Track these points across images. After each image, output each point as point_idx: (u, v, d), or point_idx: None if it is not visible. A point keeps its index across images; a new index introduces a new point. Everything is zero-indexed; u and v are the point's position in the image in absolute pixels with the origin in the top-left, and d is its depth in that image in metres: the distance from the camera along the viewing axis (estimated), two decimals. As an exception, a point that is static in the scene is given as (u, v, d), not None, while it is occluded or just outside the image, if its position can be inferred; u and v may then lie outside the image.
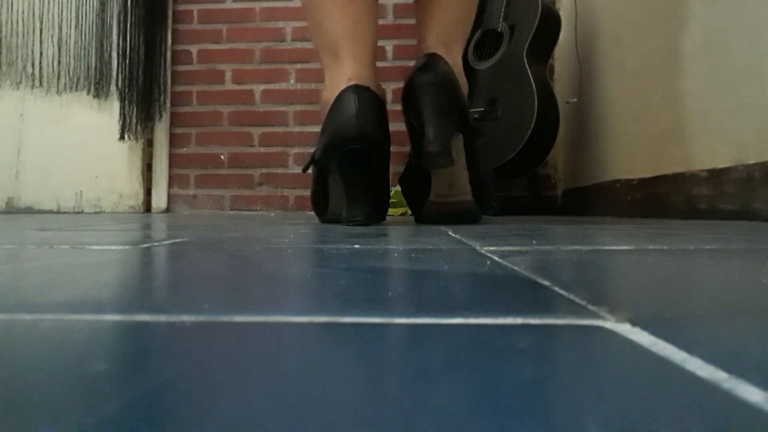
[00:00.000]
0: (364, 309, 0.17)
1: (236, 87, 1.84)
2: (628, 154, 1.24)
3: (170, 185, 1.84)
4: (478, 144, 0.82)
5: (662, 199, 1.06)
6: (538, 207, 1.51)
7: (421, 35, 0.82)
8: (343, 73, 0.75)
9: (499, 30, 1.43)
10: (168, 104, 1.83)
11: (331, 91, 0.75)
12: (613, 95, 1.33)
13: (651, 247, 0.37)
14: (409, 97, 0.75)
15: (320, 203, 0.86)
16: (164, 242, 0.43)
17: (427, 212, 0.80)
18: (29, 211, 1.79)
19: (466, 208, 0.77)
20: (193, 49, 1.85)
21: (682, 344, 0.13)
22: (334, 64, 0.77)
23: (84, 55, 1.82)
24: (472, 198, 0.78)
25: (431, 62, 0.74)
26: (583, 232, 0.55)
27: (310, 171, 0.88)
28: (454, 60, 0.78)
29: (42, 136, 1.81)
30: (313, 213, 1.75)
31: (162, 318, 0.16)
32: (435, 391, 0.10)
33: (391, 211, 1.47)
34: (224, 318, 0.16)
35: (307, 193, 1.81)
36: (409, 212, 1.50)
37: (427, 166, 0.72)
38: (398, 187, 1.49)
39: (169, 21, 1.84)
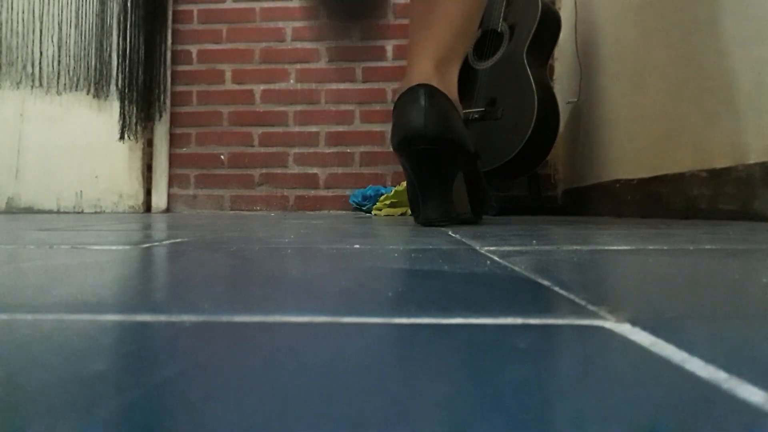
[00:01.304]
0: (364, 309, 0.17)
1: (236, 87, 1.84)
2: (628, 154, 1.24)
3: (170, 185, 1.84)
4: (480, 164, 0.80)
5: (662, 199, 1.06)
6: (538, 207, 1.51)
7: (414, 53, 0.75)
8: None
9: (499, 30, 1.43)
10: (168, 104, 1.83)
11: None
12: (613, 95, 1.33)
13: (651, 247, 0.37)
14: (402, 152, 0.71)
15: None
16: (164, 242, 0.43)
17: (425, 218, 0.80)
18: (29, 211, 1.79)
19: (464, 219, 0.77)
20: (193, 49, 1.86)
21: (682, 344, 0.13)
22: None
23: (84, 55, 1.82)
24: (470, 212, 0.77)
25: (427, 108, 0.68)
26: (583, 232, 0.55)
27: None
28: (449, 85, 0.73)
29: (42, 136, 1.81)
30: (312, 213, 1.75)
31: (162, 318, 0.16)
32: (435, 391, 0.10)
33: (390, 211, 1.47)
34: (224, 318, 0.16)
35: (308, 193, 1.81)
36: (409, 212, 1.50)
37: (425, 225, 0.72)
38: (398, 187, 1.49)
39: (169, 21, 1.84)
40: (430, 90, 0.69)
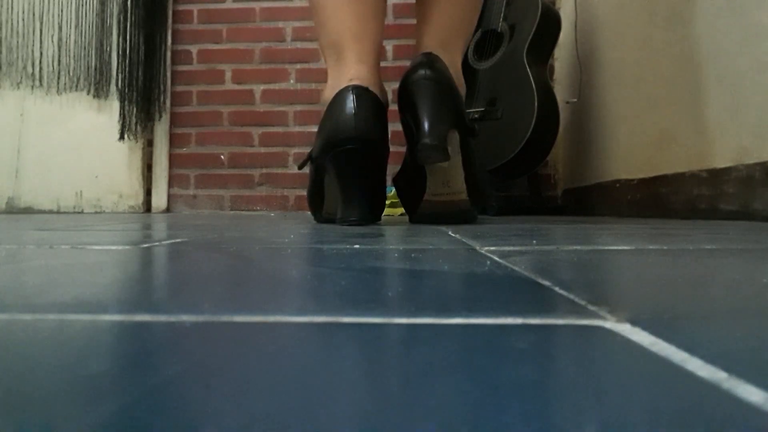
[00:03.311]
0: (364, 309, 0.17)
1: (236, 87, 1.84)
2: (628, 154, 1.24)
3: (170, 185, 1.84)
4: (475, 143, 0.82)
5: (662, 199, 1.06)
6: (538, 207, 1.51)
7: (419, 36, 0.81)
8: (345, 73, 0.75)
9: (499, 30, 1.43)
10: (168, 104, 1.83)
11: (332, 90, 0.75)
12: (613, 95, 1.33)
13: (651, 247, 0.37)
14: (404, 93, 0.75)
15: (316, 202, 0.86)
16: (164, 242, 0.43)
17: (422, 211, 0.80)
18: (29, 211, 1.79)
19: (462, 207, 0.77)
20: (193, 49, 1.86)
21: (682, 344, 0.13)
22: (337, 63, 0.77)
23: (84, 55, 1.82)
24: (468, 197, 0.77)
25: (427, 60, 0.73)
26: (583, 232, 0.55)
27: (306, 170, 0.88)
28: (452, 61, 0.78)
29: (42, 136, 1.81)
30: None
31: (162, 318, 0.16)
32: (435, 391, 0.10)
33: (390, 211, 1.47)
34: (224, 318, 0.16)
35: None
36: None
37: (423, 161, 0.72)
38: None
39: (169, 21, 1.84)
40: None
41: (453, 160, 0.74)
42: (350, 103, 0.70)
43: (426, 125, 0.70)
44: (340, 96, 0.71)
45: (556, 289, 0.20)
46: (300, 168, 0.84)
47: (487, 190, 0.85)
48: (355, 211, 0.72)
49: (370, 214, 0.74)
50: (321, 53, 0.84)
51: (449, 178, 0.75)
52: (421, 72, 0.72)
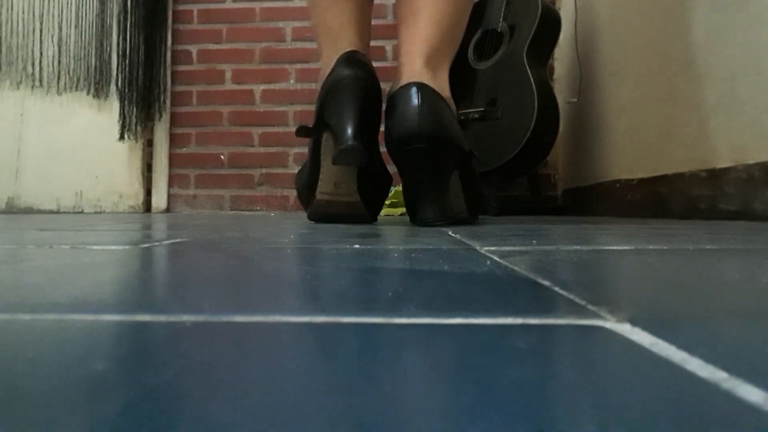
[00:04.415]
0: (364, 309, 0.17)
1: (236, 87, 1.84)
2: (628, 154, 1.24)
3: (170, 185, 1.84)
4: (475, 163, 0.79)
5: (662, 199, 1.06)
6: (538, 207, 1.51)
7: (403, 56, 0.74)
8: (340, 50, 0.76)
9: (499, 30, 1.43)
10: (168, 104, 1.83)
11: (327, 63, 0.77)
12: (613, 95, 1.33)
13: (651, 247, 0.37)
14: (397, 152, 0.70)
15: (311, 187, 0.80)
16: (164, 242, 0.43)
17: (422, 217, 0.79)
18: (29, 211, 1.79)
19: (460, 219, 0.76)
20: (193, 49, 1.86)
21: (682, 344, 0.13)
22: (332, 46, 0.79)
23: (84, 55, 1.82)
24: (466, 212, 0.77)
25: (420, 106, 0.67)
26: (583, 232, 0.55)
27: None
28: (441, 83, 0.72)
29: (42, 136, 1.81)
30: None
31: (162, 318, 0.16)
32: (435, 391, 0.10)
33: (390, 211, 1.47)
34: (224, 318, 0.16)
35: (307, 193, 1.81)
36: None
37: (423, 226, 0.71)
38: (398, 187, 1.49)
39: (169, 21, 1.84)
40: (422, 88, 0.68)
41: (453, 190, 0.72)
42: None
43: (428, 207, 0.69)
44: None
45: (556, 289, 0.20)
46: (298, 135, 0.78)
47: (483, 197, 0.82)
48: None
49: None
50: (315, 37, 0.86)
51: (452, 205, 0.74)
52: (414, 131, 0.66)
